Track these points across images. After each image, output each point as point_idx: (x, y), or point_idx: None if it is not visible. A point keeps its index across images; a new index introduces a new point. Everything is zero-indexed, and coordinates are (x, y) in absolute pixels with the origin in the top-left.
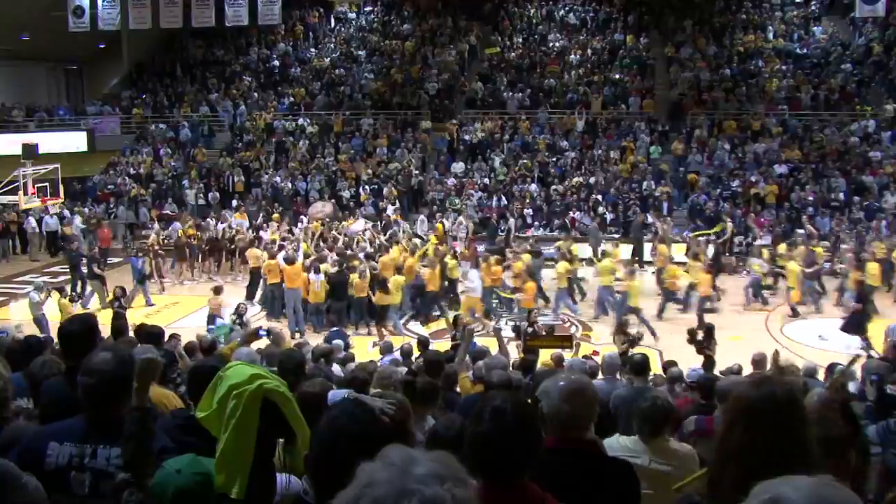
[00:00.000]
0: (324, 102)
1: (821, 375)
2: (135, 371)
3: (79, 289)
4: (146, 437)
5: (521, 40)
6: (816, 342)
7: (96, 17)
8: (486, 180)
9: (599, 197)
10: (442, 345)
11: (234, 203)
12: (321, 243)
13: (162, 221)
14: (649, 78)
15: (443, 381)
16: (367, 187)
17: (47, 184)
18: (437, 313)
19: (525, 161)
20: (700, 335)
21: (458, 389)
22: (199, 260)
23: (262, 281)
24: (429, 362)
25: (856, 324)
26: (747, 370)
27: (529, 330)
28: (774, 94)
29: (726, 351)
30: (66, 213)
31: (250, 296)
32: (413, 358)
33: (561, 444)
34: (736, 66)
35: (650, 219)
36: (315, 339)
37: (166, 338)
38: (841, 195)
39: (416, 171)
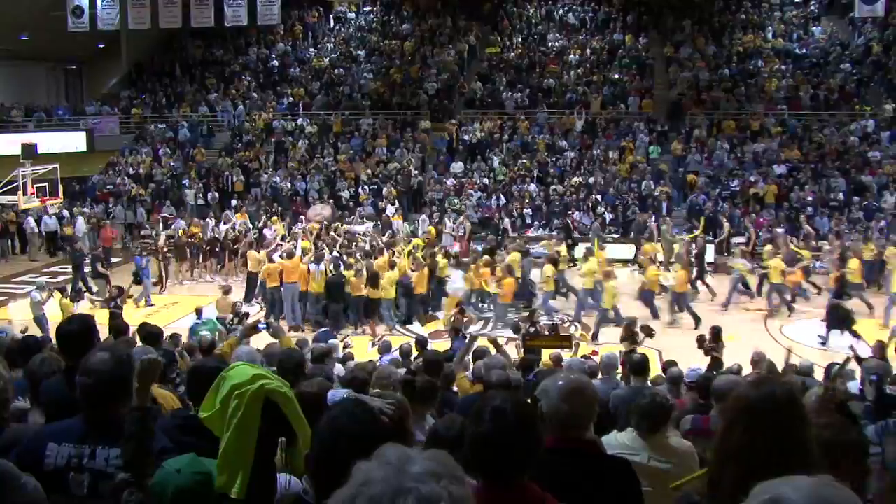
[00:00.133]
0: (323, 102)
1: (819, 375)
2: (133, 371)
3: (80, 287)
4: (146, 436)
5: (520, 40)
6: (816, 342)
7: (95, 17)
8: (486, 180)
9: (599, 197)
10: (441, 345)
11: (234, 203)
12: (319, 242)
13: (167, 223)
14: (648, 78)
15: (441, 381)
16: (366, 187)
17: (46, 184)
18: (433, 312)
19: (524, 161)
20: (708, 338)
21: (454, 388)
22: (200, 260)
23: (260, 284)
24: (428, 362)
25: (837, 319)
26: (746, 370)
27: (532, 330)
28: (774, 94)
29: (725, 351)
30: (66, 213)
31: (248, 299)
32: (412, 358)
33: (560, 444)
34: (735, 66)
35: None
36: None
37: (166, 338)
38: (840, 195)
39: (416, 171)
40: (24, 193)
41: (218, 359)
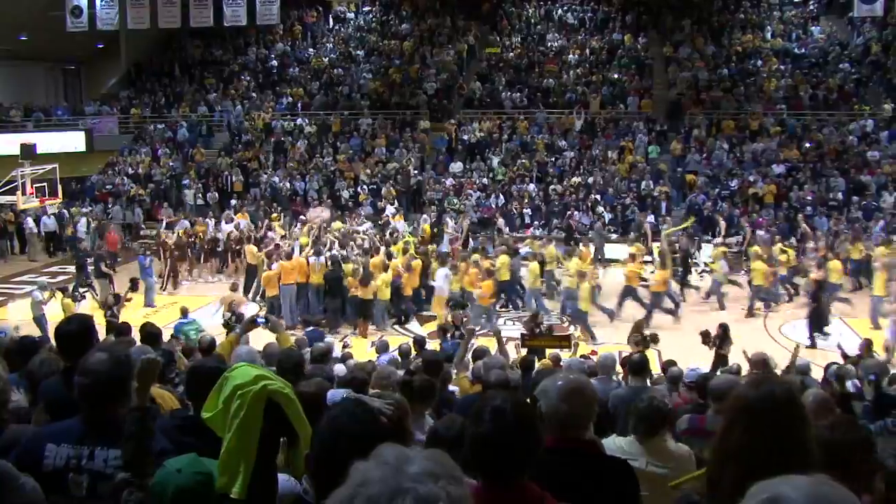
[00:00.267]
0: (322, 102)
1: (818, 375)
2: (131, 371)
3: (81, 288)
4: (146, 436)
5: (519, 40)
6: (805, 343)
7: (94, 17)
8: (485, 180)
9: (598, 197)
10: (437, 345)
11: (233, 203)
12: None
13: (171, 225)
14: (647, 77)
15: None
16: (365, 187)
17: (45, 184)
18: (428, 312)
19: (523, 161)
20: (714, 335)
21: (451, 388)
22: (201, 260)
23: (256, 281)
24: (427, 362)
25: (816, 320)
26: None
27: (536, 330)
28: (773, 94)
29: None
30: (65, 213)
31: (247, 291)
32: (411, 357)
33: (560, 444)
34: (734, 66)
35: (646, 219)
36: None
37: (165, 338)
38: (839, 195)
39: (415, 171)
40: (23, 193)
41: (217, 359)
